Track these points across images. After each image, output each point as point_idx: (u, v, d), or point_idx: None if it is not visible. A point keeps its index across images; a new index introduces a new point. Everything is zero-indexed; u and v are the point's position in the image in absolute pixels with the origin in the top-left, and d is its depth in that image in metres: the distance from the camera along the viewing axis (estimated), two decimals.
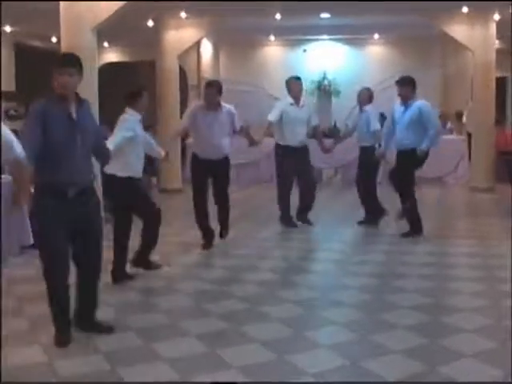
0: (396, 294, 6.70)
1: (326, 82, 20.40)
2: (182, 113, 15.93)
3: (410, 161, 9.34)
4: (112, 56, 21.01)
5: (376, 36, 20.09)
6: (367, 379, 4.66)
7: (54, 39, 16.86)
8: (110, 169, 6.87)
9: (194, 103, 10.27)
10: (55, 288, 5.31)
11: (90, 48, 9.68)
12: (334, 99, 20.40)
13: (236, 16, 15.03)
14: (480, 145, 14.85)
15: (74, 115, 5.23)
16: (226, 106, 8.85)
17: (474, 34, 14.65)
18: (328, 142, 11.38)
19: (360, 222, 10.41)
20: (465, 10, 14.01)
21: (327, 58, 20.58)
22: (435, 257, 8.30)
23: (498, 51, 15.32)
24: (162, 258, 8.02)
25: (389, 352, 5.10)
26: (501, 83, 18.07)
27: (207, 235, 8.93)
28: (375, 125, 10.29)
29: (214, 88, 8.63)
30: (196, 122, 8.69)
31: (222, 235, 9.17)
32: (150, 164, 12.76)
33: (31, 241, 8.32)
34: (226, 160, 8.88)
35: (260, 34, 19.65)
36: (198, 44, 17.94)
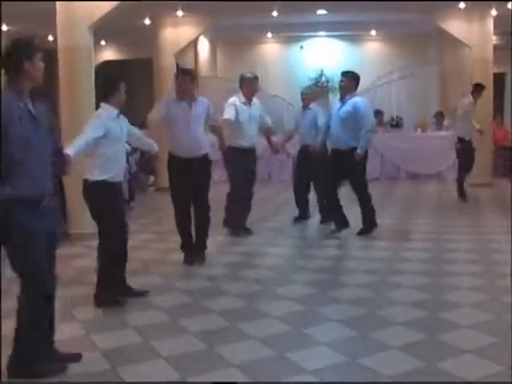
0: (394, 290, 6.69)
1: (323, 79, 20.40)
2: None
3: (347, 161, 8.99)
4: (109, 54, 20.97)
5: (373, 32, 20.09)
6: (366, 376, 4.65)
7: (50, 38, 16.83)
8: (84, 172, 6.35)
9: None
10: None
11: (86, 46, 9.66)
12: (331, 96, 20.37)
13: (233, 13, 15.02)
14: (478, 140, 14.82)
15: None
16: (200, 97, 8.14)
17: (471, 30, 14.64)
18: (277, 141, 10.73)
19: (295, 218, 10.54)
20: (462, 5, 14.01)
21: (324, 55, 20.57)
22: (433, 252, 8.29)
23: (496, 47, 15.32)
24: (160, 256, 8.00)
25: (387, 348, 5.09)
26: (499, 79, 18.05)
27: (188, 246, 8.09)
28: (322, 121, 10.04)
29: (187, 76, 7.87)
30: (169, 115, 7.79)
31: (197, 252, 8.13)
32: (147, 162, 12.72)
33: None
34: (205, 159, 7.97)
35: (257, 32, 19.65)
36: (195, 42, 17.92)
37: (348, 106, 9.03)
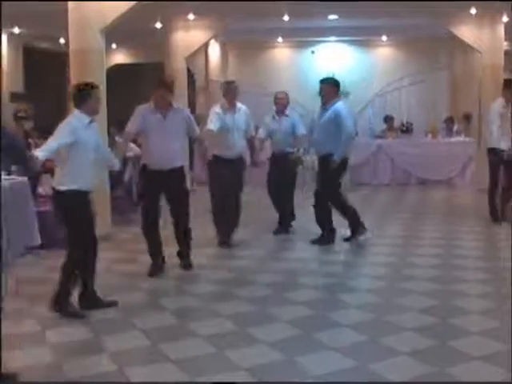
0: (403, 296, 6.68)
1: None
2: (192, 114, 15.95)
3: (324, 168, 8.99)
4: (120, 58, 21.04)
5: (384, 38, 20.08)
6: (375, 381, 4.64)
7: (61, 41, 16.91)
8: (53, 182, 6.25)
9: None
10: None
11: (98, 49, 9.67)
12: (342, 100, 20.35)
13: (244, 17, 15.02)
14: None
15: None
16: (179, 107, 7.90)
17: (482, 36, 14.59)
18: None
19: (275, 231, 10.07)
20: (473, 11, 13.96)
21: (335, 60, 20.56)
22: (443, 259, 8.27)
23: (507, 53, 15.27)
24: (167, 259, 7.99)
25: (396, 354, 5.08)
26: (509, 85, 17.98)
27: (157, 261, 7.73)
28: (302, 129, 9.81)
29: (163, 88, 7.58)
30: (145, 126, 7.54)
31: (185, 266, 7.90)
32: None
33: (39, 241, 8.37)
34: (180, 170, 7.74)
35: (268, 36, 19.66)
36: (206, 46, 17.96)
37: (330, 113, 8.89)
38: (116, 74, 17.39)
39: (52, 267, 7.65)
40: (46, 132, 10.28)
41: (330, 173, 8.92)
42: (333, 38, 20.24)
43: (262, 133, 10.02)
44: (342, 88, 20.45)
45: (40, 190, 9.23)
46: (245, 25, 16.30)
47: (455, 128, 17.14)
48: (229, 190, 8.91)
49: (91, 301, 6.30)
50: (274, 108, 10.02)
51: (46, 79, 17.98)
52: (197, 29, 15.59)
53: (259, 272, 7.83)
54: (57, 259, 8.14)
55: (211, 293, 7.01)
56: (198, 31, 15.67)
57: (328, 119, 8.88)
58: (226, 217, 9.03)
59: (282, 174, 9.85)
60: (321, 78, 9.26)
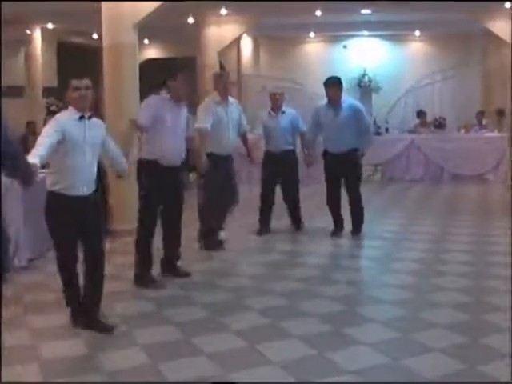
0: (436, 292, 6.64)
1: (366, 79, 20.34)
2: None
3: (348, 163, 9.06)
4: (152, 52, 21.15)
5: (417, 33, 19.97)
6: (407, 377, 4.63)
7: (95, 36, 17.04)
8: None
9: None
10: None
11: (131, 44, 9.73)
12: (374, 96, 20.31)
13: (276, 13, 15.01)
14: None
15: None
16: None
17: None
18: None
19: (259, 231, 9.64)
20: (507, 5, 13.83)
21: (367, 55, 20.52)
22: (475, 255, 8.22)
23: None
24: (200, 254, 8.02)
25: (429, 350, 5.06)
26: None
27: (147, 269, 7.13)
28: (303, 126, 9.66)
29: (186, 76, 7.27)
30: (161, 118, 6.97)
31: (178, 273, 7.39)
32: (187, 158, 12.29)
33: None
34: (181, 167, 7.31)
35: (300, 31, 19.65)
36: (238, 40, 17.99)
37: (346, 111, 8.96)
38: (148, 68, 17.46)
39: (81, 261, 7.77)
40: None
41: (358, 167, 9.23)
42: (365, 33, 20.18)
43: (258, 129, 9.67)
44: (373, 83, 20.57)
45: None
46: (277, 20, 16.29)
47: (484, 122, 17.02)
48: (224, 189, 8.53)
49: (89, 320, 5.69)
50: (270, 104, 9.65)
51: (80, 74, 18.10)
52: (229, 24, 15.64)
53: (290, 266, 7.83)
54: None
55: (243, 287, 7.03)
56: (230, 26, 15.72)
57: (347, 116, 8.93)
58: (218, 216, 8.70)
59: (283, 173, 9.56)
60: (326, 79, 9.12)
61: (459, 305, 6.18)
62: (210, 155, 8.20)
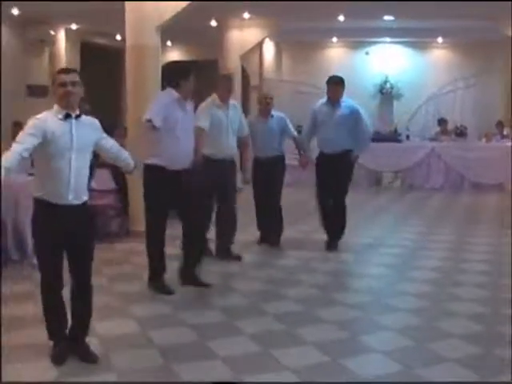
0: (452, 301, 6.62)
1: (387, 85, 20.30)
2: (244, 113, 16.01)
3: (340, 164, 8.79)
4: (174, 55, 21.20)
5: (440, 40, 19.90)
6: None
7: (118, 37, 17.13)
8: None
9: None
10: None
11: (153, 46, 9.77)
12: (395, 102, 20.27)
13: (299, 17, 15.02)
14: None
15: None
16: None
17: None
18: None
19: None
20: None
21: (389, 61, 20.48)
22: (493, 265, 8.17)
23: None
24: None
25: (443, 360, 5.05)
26: None
27: (158, 275, 6.97)
28: (293, 130, 9.33)
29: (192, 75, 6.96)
30: (171, 119, 6.64)
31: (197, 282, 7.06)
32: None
33: None
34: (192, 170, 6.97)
35: (323, 36, 19.65)
36: (260, 45, 18.02)
37: (344, 109, 8.77)
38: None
39: (105, 259, 7.88)
40: (101, 125, 10.49)
41: (350, 169, 8.98)
42: (387, 39, 20.14)
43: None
44: (395, 90, 20.51)
45: (93, 184, 9.37)
46: (299, 24, 16.30)
47: (505, 131, 16.95)
48: (221, 199, 8.22)
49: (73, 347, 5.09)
50: (258, 107, 9.31)
51: (103, 75, 18.20)
52: (251, 28, 15.67)
53: (306, 272, 7.83)
54: (109, 252, 8.43)
55: (259, 291, 7.04)
56: (252, 30, 15.75)
57: (345, 116, 8.73)
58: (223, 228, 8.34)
59: (269, 181, 9.01)
60: (328, 77, 8.96)
61: (475, 315, 6.15)
62: (206, 159, 7.69)
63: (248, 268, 8.02)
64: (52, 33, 16.39)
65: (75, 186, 4.85)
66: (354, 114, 8.79)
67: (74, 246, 4.95)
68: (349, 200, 9.18)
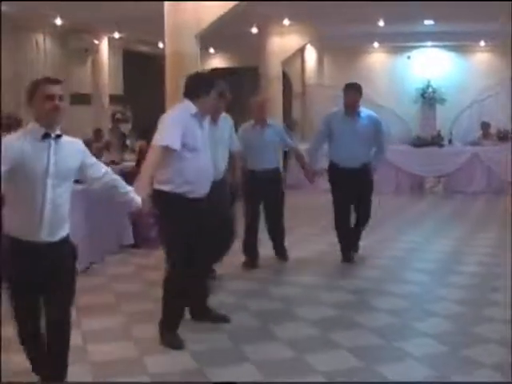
0: (490, 307, 6.55)
1: (430, 90, 20.18)
2: (284, 120, 16.05)
3: (362, 179, 8.21)
4: (217, 62, 21.36)
5: (482, 43, 19.71)
6: None
7: (160, 45, 17.29)
8: None
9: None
10: None
11: (192, 53, 9.82)
12: (438, 107, 20.13)
13: (340, 23, 15.01)
14: None
15: None
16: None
17: None
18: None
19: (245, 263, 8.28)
20: None
21: (432, 65, 20.37)
22: None
23: None
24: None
25: (478, 366, 5.00)
26: None
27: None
28: (292, 141, 8.79)
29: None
30: (191, 138, 5.51)
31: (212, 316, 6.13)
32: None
33: (131, 240, 8.76)
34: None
35: (364, 41, 19.63)
36: (302, 50, 18.06)
37: (364, 121, 8.13)
38: None
39: (143, 265, 8.00)
40: (143, 134, 10.63)
41: (372, 183, 8.41)
42: (429, 43, 20.04)
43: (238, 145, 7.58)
44: (437, 94, 20.35)
45: None
46: (340, 30, 16.30)
47: None
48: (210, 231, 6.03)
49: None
50: (254, 115, 8.19)
51: (145, 82, 18.41)
52: (292, 34, 15.72)
53: (343, 277, 7.84)
54: (147, 258, 8.51)
55: (294, 296, 7.04)
56: (293, 36, 15.80)
57: (366, 126, 8.12)
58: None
59: (267, 196, 8.22)
60: (347, 84, 8.29)
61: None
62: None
63: (280, 273, 8.01)
64: (95, 41, 16.64)
65: (50, 219, 4.04)
66: (376, 126, 8.22)
67: (49, 287, 4.15)
68: (390, 205, 9.12)
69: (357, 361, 5.12)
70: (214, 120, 6.74)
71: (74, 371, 4.41)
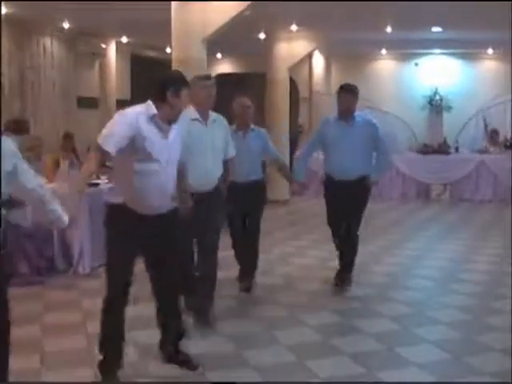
0: (494, 315, 6.53)
1: (437, 97, 20.16)
2: (290, 126, 16.06)
3: (366, 194, 7.45)
4: (224, 67, 21.37)
5: (490, 51, 19.66)
6: None
7: (168, 50, 17.31)
8: None
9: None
10: None
11: (199, 58, 9.81)
12: (445, 114, 20.11)
13: (347, 29, 15.00)
14: None
15: None
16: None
17: None
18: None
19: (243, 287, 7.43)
20: None
21: (439, 73, 20.33)
22: None
23: None
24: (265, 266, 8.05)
25: (479, 374, 4.98)
26: None
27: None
28: (275, 150, 7.63)
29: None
30: (139, 143, 4.57)
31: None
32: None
33: None
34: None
35: (371, 48, 19.59)
36: (309, 56, 18.04)
37: (360, 128, 7.24)
38: (219, 83, 17.66)
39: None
40: None
41: (367, 197, 7.49)
42: (437, 51, 19.99)
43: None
44: (445, 102, 20.31)
45: None
46: (348, 36, 16.26)
47: None
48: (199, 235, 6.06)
49: None
50: (238, 119, 7.24)
51: (152, 87, 18.43)
52: (299, 40, 15.69)
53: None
54: None
55: (298, 303, 7.03)
56: (300, 42, 15.77)
57: (362, 133, 7.24)
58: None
59: (249, 210, 7.29)
60: (342, 85, 7.50)
61: None
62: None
63: (288, 279, 8.02)
64: (103, 46, 16.66)
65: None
66: (373, 132, 7.30)
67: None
68: (396, 212, 9.10)
69: (358, 367, 5.11)
70: (205, 117, 6.06)
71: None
